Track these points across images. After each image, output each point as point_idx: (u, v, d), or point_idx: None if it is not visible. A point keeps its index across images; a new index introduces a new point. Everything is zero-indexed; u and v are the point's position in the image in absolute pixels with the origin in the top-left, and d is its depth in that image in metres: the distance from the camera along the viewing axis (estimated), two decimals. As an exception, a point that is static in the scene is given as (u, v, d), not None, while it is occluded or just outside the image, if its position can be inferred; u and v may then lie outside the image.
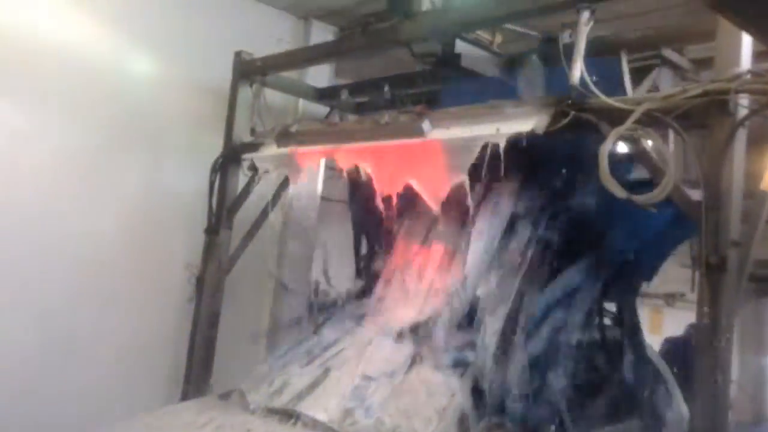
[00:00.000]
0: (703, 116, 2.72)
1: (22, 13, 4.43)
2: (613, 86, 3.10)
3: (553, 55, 3.34)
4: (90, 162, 4.79)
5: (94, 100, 4.78)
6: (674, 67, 3.49)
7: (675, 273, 4.75)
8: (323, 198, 5.50)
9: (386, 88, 4.69)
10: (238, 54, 4.99)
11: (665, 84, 3.37)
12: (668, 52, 3.44)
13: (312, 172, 4.60)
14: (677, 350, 4.57)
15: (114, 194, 4.96)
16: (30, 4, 4.47)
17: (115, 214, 4.93)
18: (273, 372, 3.67)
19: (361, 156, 3.86)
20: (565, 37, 3.64)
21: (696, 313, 2.65)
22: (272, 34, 5.66)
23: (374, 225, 4.41)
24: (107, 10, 4.83)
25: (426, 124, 3.54)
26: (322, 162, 4.64)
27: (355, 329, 3.77)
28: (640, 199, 2.76)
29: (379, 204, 3.78)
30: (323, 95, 5.47)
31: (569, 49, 3.06)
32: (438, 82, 4.53)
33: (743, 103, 2.63)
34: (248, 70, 4.96)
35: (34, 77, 4.49)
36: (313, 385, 3.38)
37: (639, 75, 3.49)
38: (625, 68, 3.37)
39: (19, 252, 4.43)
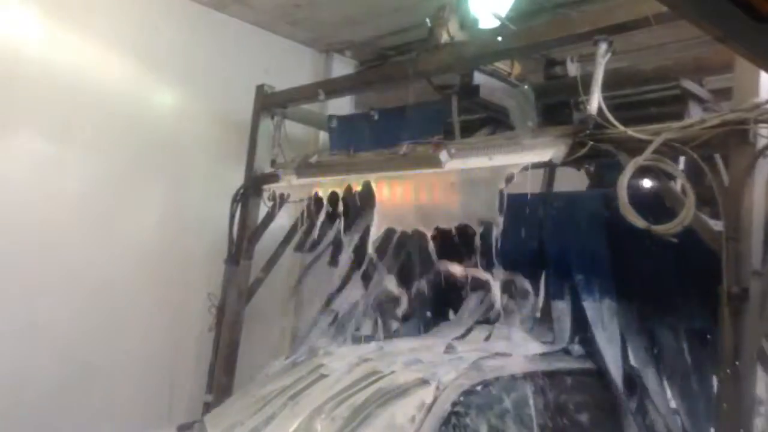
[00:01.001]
0: (723, 146, 2.71)
1: (49, 48, 4.56)
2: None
3: (570, 86, 3.35)
4: (113, 192, 4.87)
5: (118, 131, 4.88)
6: (694, 98, 3.49)
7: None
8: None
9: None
10: (259, 87, 5.09)
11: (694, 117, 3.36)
12: (688, 83, 3.44)
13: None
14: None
15: (137, 224, 5.03)
16: (56, 39, 4.59)
17: (137, 244, 4.99)
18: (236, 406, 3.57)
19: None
20: (570, 66, 3.69)
21: (719, 343, 2.61)
22: (294, 68, 5.77)
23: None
24: (131, 44, 4.96)
25: (444, 155, 3.57)
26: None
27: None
28: (659, 229, 2.74)
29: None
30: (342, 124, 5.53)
31: (584, 80, 3.08)
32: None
33: (763, 133, 2.62)
34: (269, 103, 5.05)
35: (59, 109, 4.60)
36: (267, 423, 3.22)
37: (657, 106, 3.49)
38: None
39: (42, 280, 4.48)
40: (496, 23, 3.72)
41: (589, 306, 3.51)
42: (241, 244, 4.92)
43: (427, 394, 2.80)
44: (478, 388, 2.91)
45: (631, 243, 3.31)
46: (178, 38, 5.22)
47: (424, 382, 2.87)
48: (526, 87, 3.36)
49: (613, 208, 2.88)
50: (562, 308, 3.64)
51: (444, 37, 3.88)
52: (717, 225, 2.71)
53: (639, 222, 2.75)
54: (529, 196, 3.40)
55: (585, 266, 3.59)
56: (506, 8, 3.71)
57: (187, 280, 5.20)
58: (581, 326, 3.54)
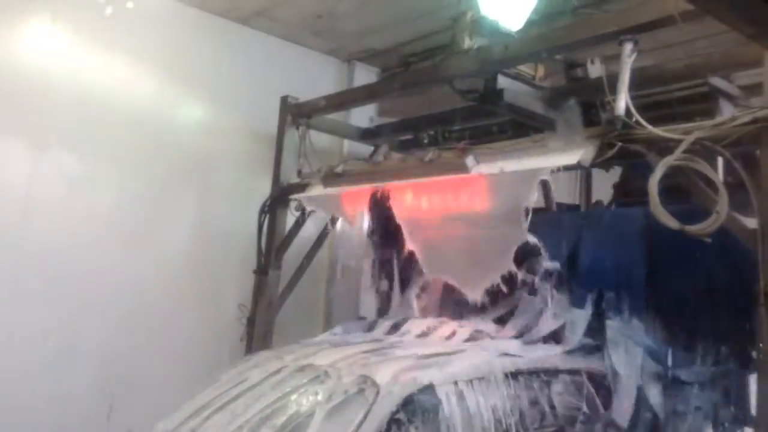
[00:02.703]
0: (755, 143, 2.66)
1: (78, 65, 4.64)
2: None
3: (596, 87, 3.32)
4: (143, 206, 4.93)
5: (148, 147, 4.96)
6: (723, 95, 3.43)
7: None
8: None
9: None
10: (284, 98, 5.13)
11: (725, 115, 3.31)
12: (717, 80, 3.38)
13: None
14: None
15: (168, 239, 5.10)
16: (85, 56, 4.68)
17: (169, 259, 5.05)
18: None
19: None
20: (590, 68, 3.65)
21: (756, 344, 2.55)
22: (318, 78, 5.81)
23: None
24: (159, 61, 5.04)
25: (470, 160, 3.56)
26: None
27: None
28: (693, 229, 2.70)
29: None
30: (367, 135, 5.56)
31: (611, 81, 3.05)
32: (481, 118, 4.56)
33: (796, 129, 2.57)
34: (294, 114, 5.08)
35: (89, 127, 4.68)
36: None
37: (686, 104, 3.44)
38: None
39: (79, 301, 4.56)
40: (519, 26, 3.71)
41: (612, 324, 3.46)
42: (269, 255, 4.95)
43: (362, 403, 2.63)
44: (424, 392, 2.73)
45: (670, 264, 3.28)
46: (204, 53, 5.29)
47: (360, 389, 2.71)
48: (572, 101, 3.32)
49: (655, 226, 2.83)
50: (580, 315, 3.58)
51: (466, 42, 3.87)
52: (752, 223, 2.67)
53: (672, 223, 2.71)
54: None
55: (619, 283, 3.55)
56: (529, 10, 3.70)
57: (218, 292, 5.24)
58: (595, 339, 3.49)
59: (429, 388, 2.73)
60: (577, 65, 3.94)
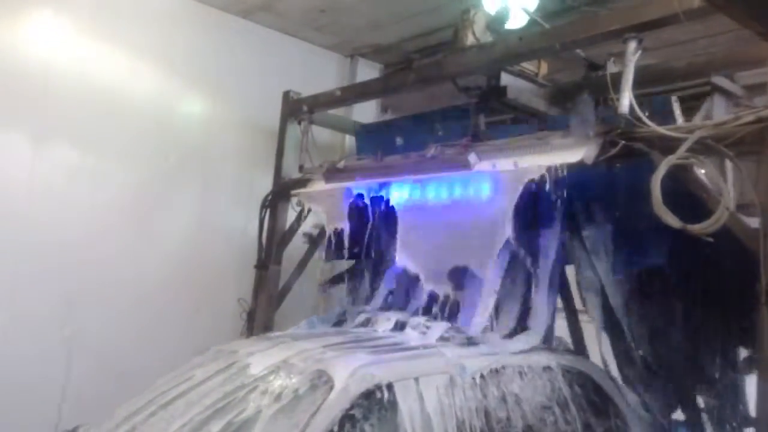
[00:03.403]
0: (758, 143, 2.66)
1: (79, 60, 4.65)
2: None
3: (599, 84, 3.32)
4: (144, 199, 4.95)
5: (149, 141, 4.97)
6: (726, 94, 3.43)
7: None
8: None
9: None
10: (286, 93, 5.12)
11: (719, 111, 3.31)
12: (719, 79, 3.38)
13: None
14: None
15: (167, 231, 5.11)
16: (87, 51, 4.69)
17: (169, 252, 5.06)
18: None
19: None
20: (610, 66, 3.63)
21: (757, 344, 2.56)
22: (320, 73, 5.80)
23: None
24: (161, 55, 5.04)
25: (473, 157, 3.56)
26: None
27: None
28: (695, 228, 2.69)
29: None
30: (369, 131, 5.54)
31: (616, 78, 3.04)
32: (484, 115, 4.55)
33: (800, 129, 2.57)
34: (296, 109, 5.07)
35: (91, 121, 4.70)
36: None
37: (689, 103, 3.44)
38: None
39: (78, 292, 4.58)
40: (522, 24, 3.70)
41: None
42: (270, 249, 4.95)
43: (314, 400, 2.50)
44: (381, 388, 2.59)
45: None
46: (206, 47, 5.29)
47: (313, 385, 2.59)
48: (585, 95, 3.30)
49: None
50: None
51: (470, 39, 3.86)
52: (753, 222, 2.66)
53: (674, 222, 2.71)
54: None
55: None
56: (533, 7, 3.69)
57: (218, 287, 5.25)
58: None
59: (387, 385, 2.62)
60: (598, 67, 3.92)
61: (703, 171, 2.76)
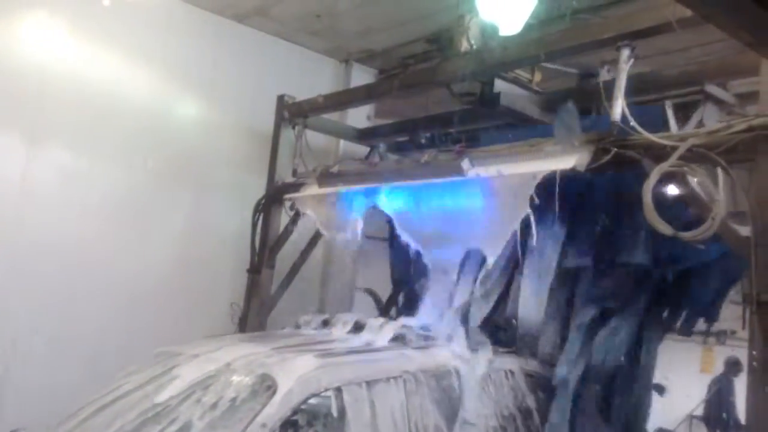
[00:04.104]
0: (750, 151, 2.67)
1: (75, 62, 4.63)
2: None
3: (592, 93, 3.33)
4: (138, 202, 4.93)
5: (143, 144, 4.95)
6: (718, 102, 3.45)
7: (726, 310, 4.61)
8: (367, 236, 5.51)
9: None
10: (280, 98, 5.12)
11: (711, 120, 3.33)
12: (712, 88, 3.40)
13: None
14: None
15: (160, 234, 5.08)
16: (83, 53, 4.67)
17: (162, 255, 5.04)
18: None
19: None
20: (603, 74, 3.64)
21: (747, 351, 2.56)
22: (315, 78, 5.80)
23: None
24: (156, 58, 5.03)
25: (466, 163, 3.56)
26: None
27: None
28: (686, 236, 2.70)
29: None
30: (363, 135, 5.55)
31: (609, 86, 3.05)
32: (477, 121, 4.56)
33: (791, 138, 2.58)
34: (290, 113, 5.07)
35: (86, 123, 4.68)
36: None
37: (682, 111, 3.46)
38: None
39: (70, 293, 4.55)
40: (516, 31, 3.71)
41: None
42: (263, 253, 4.94)
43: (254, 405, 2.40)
44: (328, 393, 2.50)
45: None
46: (201, 50, 5.28)
47: (253, 390, 2.50)
48: (569, 103, 3.31)
49: None
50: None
51: (464, 46, 3.88)
52: (744, 230, 2.67)
53: (665, 229, 2.72)
54: None
55: None
56: (527, 14, 3.70)
57: (211, 290, 5.23)
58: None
59: (335, 390, 2.54)
60: (590, 75, 3.94)
61: (695, 179, 2.77)
